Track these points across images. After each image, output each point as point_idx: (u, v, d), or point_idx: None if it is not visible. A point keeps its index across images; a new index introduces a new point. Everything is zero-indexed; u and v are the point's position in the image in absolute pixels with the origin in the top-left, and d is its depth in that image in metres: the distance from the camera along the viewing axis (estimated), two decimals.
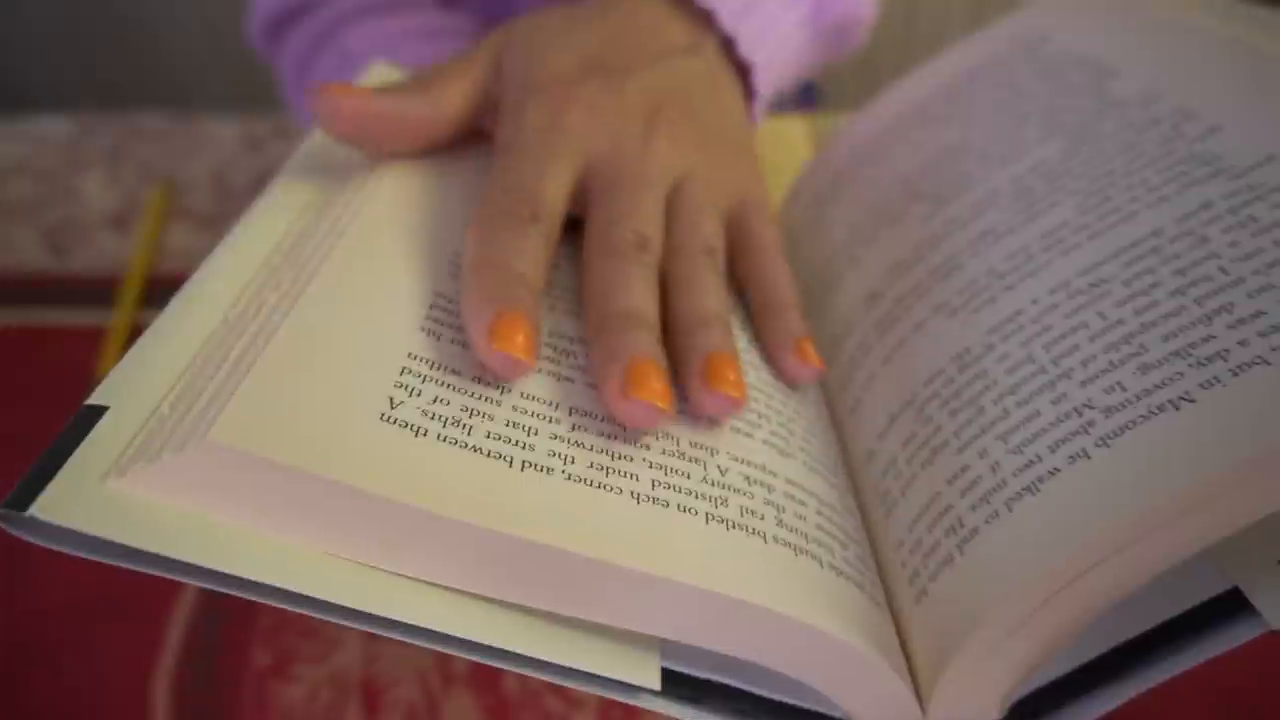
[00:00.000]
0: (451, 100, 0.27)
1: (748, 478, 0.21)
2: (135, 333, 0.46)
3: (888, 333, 0.26)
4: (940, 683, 0.19)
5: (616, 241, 0.25)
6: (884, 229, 0.29)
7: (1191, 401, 0.18)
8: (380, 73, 0.33)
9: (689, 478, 0.20)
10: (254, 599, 0.17)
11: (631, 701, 0.18)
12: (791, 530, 0.20)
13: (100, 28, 1.32)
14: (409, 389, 0.19)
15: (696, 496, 0.20)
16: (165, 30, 1.33)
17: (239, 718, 0.32)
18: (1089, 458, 0.19)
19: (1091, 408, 0.19)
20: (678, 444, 0.21)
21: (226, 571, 0.16)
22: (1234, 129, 0.23)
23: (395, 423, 0.18)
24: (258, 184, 0.54)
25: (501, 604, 0.18)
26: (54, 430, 0.19)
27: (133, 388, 0.19)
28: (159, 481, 0.17)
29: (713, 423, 0.22)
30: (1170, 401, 0.18)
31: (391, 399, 0.19)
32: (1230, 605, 0.18)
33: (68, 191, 0.55)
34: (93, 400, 0.18)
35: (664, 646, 0.19)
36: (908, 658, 0.20)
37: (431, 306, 0.22)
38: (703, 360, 0.22)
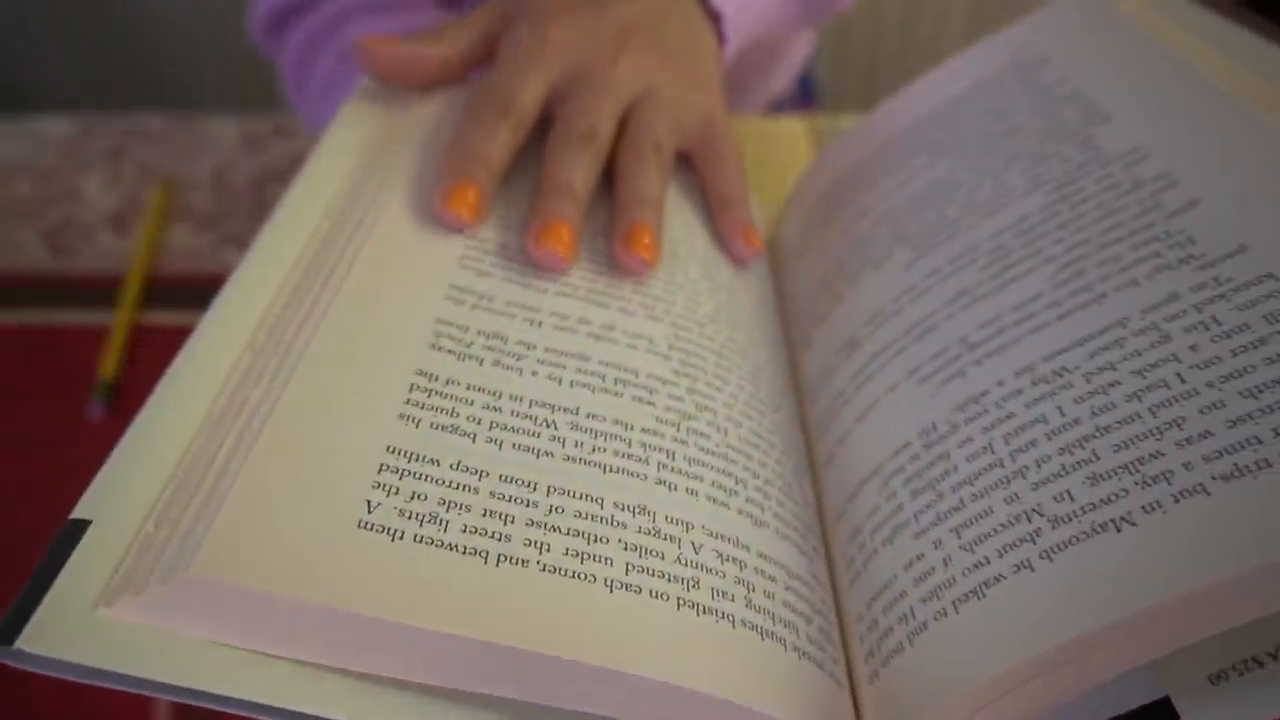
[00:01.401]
0: (459, 42, 0.33)
1: (720, 554, 0.22)
2: (136, 333, 0.46)
3: (863, 388, 0.27)
4: None
5: (569, 133, 0.30)
6: (868, 270, 0.30)
7: (1133, 524, 0.18)
8: (369, 88, 0.34)
9: (663, 558, 0.21)
10: (249, 715, 0.18)
11: None
12: (759, 611, 0.21)
13: (101, 28, 1.32)
14: (387, 488, 0.20)
15: (669, 580, 0.20)
16: (166, 30, 1.33)
17: (240, 718, 0.32)
18: (1033, 569, 0.19)
19: (1040, 514, 0.20)
20: (653, 520, 0.22)
21: (217, 693, 0.17)
22: (1212, 205, 0.23)
23: (372, 528, 0.19)
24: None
25: (461, 703, 0.19)
26: (54, 431, 0.18)
27: (116, 500, 0.19)
28: (146, 611, 0.17)
29: (690, 490, 0.23)
30: (1113, 521, 0.19)
31: (369, 502, 0.20)
32: (1161, 713, 0.18)
33: (68, 192, 0.55)
34: (77, 514, 0.19)
35: None
36: None
37: (412, 389, 0.22)
38: (627, 227, 0.29)
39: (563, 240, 0.27)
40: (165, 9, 1.30)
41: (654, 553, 0.21)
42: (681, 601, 0.20)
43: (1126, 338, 0.21)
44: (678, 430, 0.24)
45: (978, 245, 0.27)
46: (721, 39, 0.37)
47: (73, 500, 0.39)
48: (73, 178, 0.56)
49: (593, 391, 0.24)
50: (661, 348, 0.27)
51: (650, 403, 0.25)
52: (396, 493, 0.20)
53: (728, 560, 0.22)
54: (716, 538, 0.22)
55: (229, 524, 0.18)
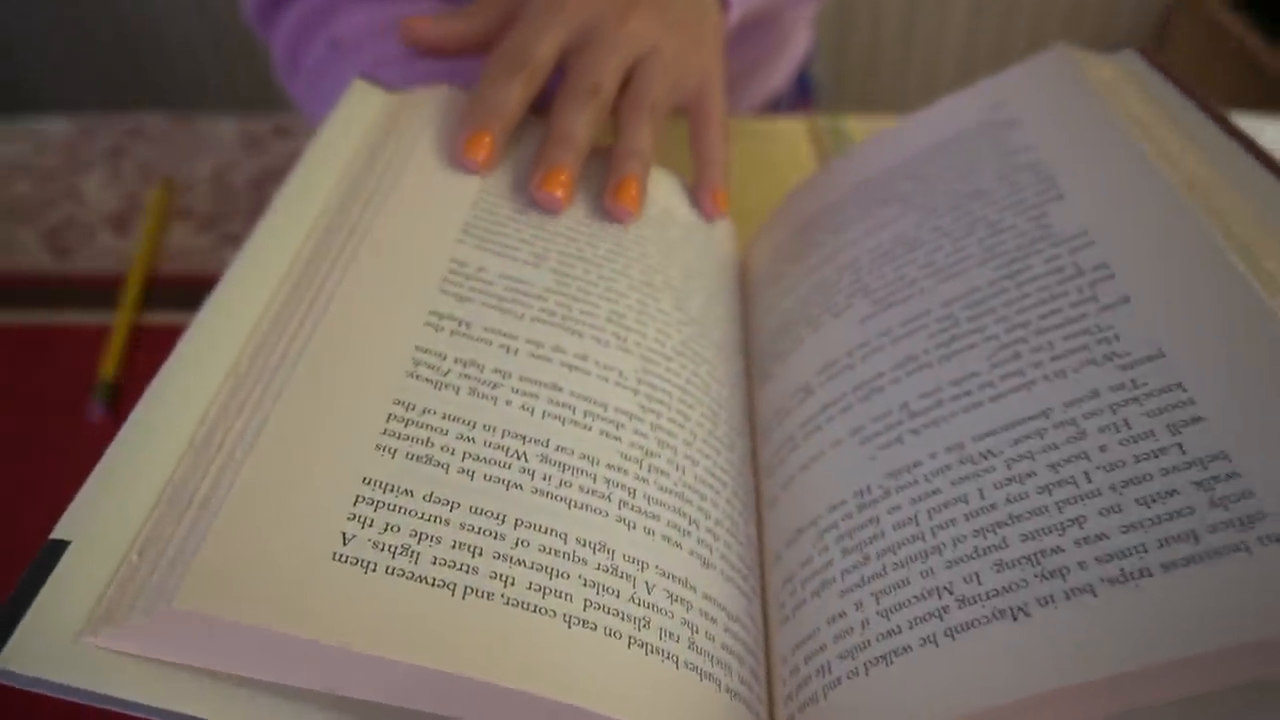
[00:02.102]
0: (478, 19, 0.37)
1: (670, 594, 0.23)
2: (136, 333, 0.46)
3: (810, 438, 0.28)
4: None
5: (577, 87, 0.34)
6: (827, 317, 0.31)
7: (1028, 615, 0.20)
8: (361, 89, 0.34)
9: (618, 596, 0.22)
10: None
11: None
12: (700, 652, 0.22)
13: (101, 29, 1.32)
14: (362, 519, 0.21)
15: (623, 618, 0.22)
16: (166, 31, 1.33)
17: None
18: (937, 645, 0.20)
19: (950, 592, 0.21)
20: (612, 557, 0.23)
21: (194, 716, 0.19)
22: (1141, 304, 0.24)
23: (346, 561, 0.20)
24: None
25: None
26: (54, 431, 0.18)
27: (97, 523, 0.20)
28: (129, 640, 0.19)
29: (648, 530, 0.24)
30: (1011, 609, 0.20)
31: (344, 534, 0.21)
32: None
33: (68, 192, 0.55)
34: (56, 534, 0.20)
35: None
36: None
37: (389, 419, 0.23)
38: (617, 179, 0.33)
39: (562, 184, 0.32)
40: (166, 10, 1.30)
41: (610, 590, 0.22)
42: (633, 640, 0.21)
43: (1047, 429, 0.23)
44: (640, 467, 0.25)
45: (929, 311, 0.28)
46: (725, 6, 0.40)
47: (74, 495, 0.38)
48: (73, 178, 0.56)
49: (563, 423, 0.25)
50: (630, 381, 0.28)
51: (617, 437, 0.26)
52: (371, 524, 0.21)
53: (676, 601, 0.23)
54: (668, 578, 0.23)
55: (211, 557, 0.19)
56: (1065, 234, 0.27)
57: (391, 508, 0.21)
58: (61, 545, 0.20)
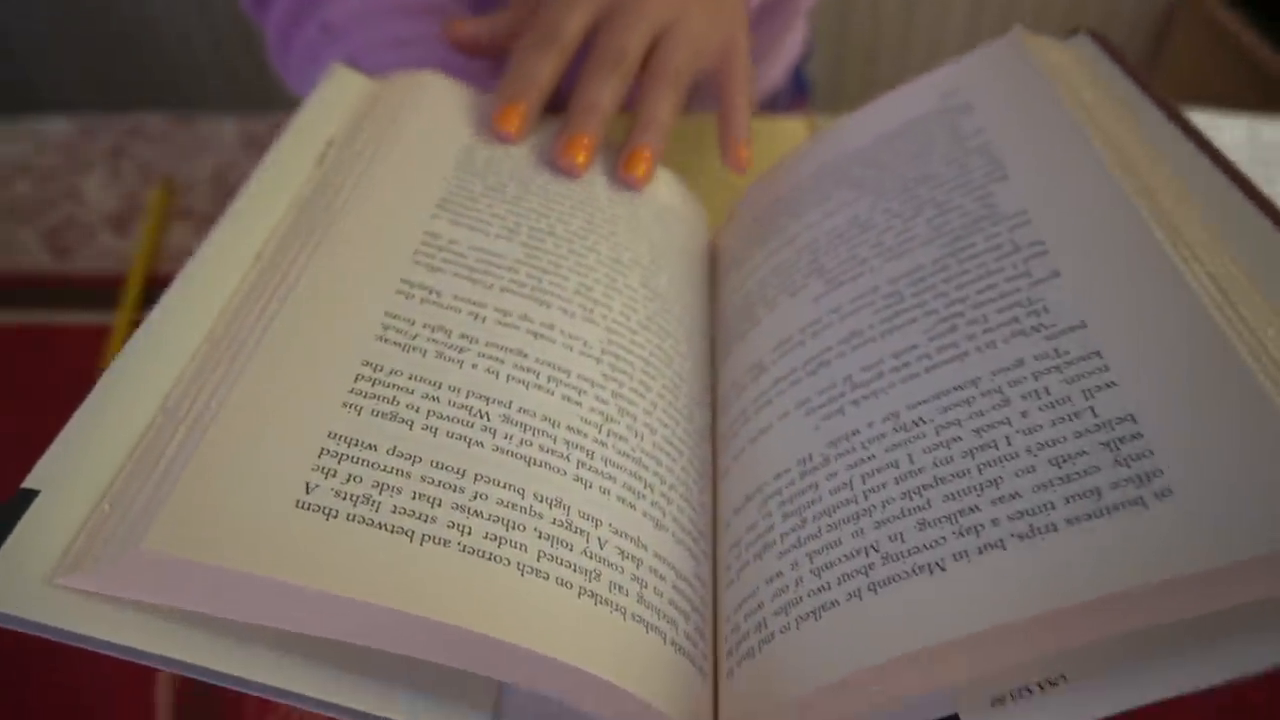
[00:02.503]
0: (518, 13, 0.39)
1: (622, 551, 0.24)
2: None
3: (761, 411, 0.29)
4: None
5: (600, 58, 0.36)
6: (784, 296, 0.32)
7: (944, 569, 0.21)
8: (341, 75, 0.35)
9: (571, 549, 0.23)
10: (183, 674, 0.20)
11: None
12: (648, 606, 0.24)
13: (101, 29, 1.32)
14: (326, 470, 0.22)
15: (574, 570, 0.23)
16: (166, 31, 1.33)
17: (240, 717, 0.32)
18: (861, 599, 0.22)
19: (876, 551, 0.22)
20: (567, 513, 0.24)
21: (149, 651, 0.20)
22: (1069, 279, 0.25)
23: (309, 508, 0.21)
24: None
25: (358, 671, 0.21)
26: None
27: (67, 475, 0.21)
28: (98, 581, 0.20)
29: (604, 490, 0.25)
30: (929, 564, 0.21)
31: (308, 484, 0.22)
32: None
33: (68, 191, 0.55)
34: (27, 484, 0.21)
35: (497, 708, 0.23)
36: (717, 715, 0.24)
37: (357, 378, 0.24)
38: (631, 150, 0.36)
39: (584, 149, 0.35)
40: (166, 10, 1.30)
41: (564, 544, 0.23)
42: (583, 590, 0.23)
43: (975, 397, 0.24)
44: (599, 431, 0.26)
45: (877, 289, 0.29)
46: None
47: None
48: (73, 178, 0.56)
49: (526, 387, 0.26)
50: (595, 351, 0.29)
51: (578, 402, 0.27)
52: (334, 475, 0.22)
53: (627, 558, 0.24)
54: (620, 535, 0.24)
55: (179, 503, 0.20)
56: (1006, 213, 0.28)
57: (355, 460, 0.22)
58: (31, 494, 0.21)
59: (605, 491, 0.25)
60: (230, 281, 0.27)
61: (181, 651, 0.20)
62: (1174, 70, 1.38)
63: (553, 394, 0.26)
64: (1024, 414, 0.23)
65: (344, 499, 0.22)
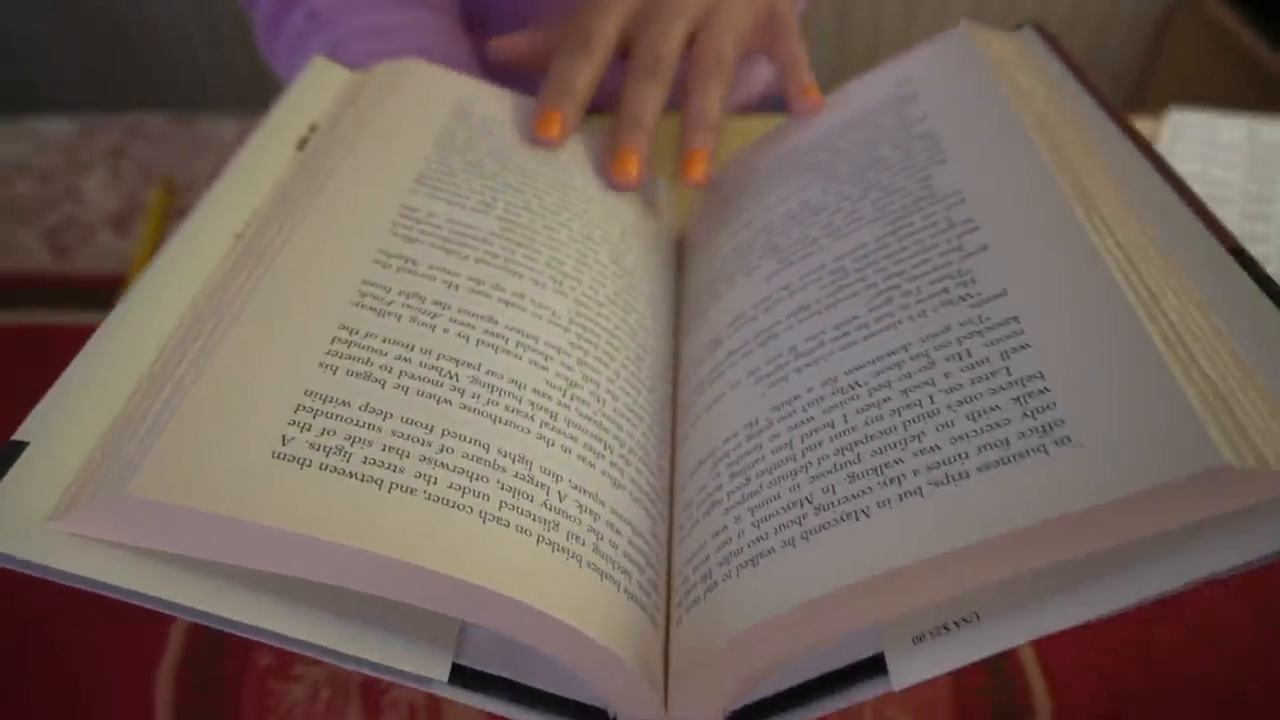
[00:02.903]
0: (538, 36, 0.41)
1: (580, 505, 0.26)
2: None
3: (716, 382, 0.31)
4: (675, 692, 0.24)
5: (638, 66, 0.38)
6: (740, 275, 0.34)
7: (868, 516, 0.23)
8: (322, 65, 0.37)
9: (532, 501, 0.25)
10: (163, 611, 0.22)
11: (424, 688, 0.24)
12: (603, 557, 0.25)
13: (101, 29, 1.32)
14: (301, 425, 0.24)
15: (534, 519, 0.24)
16: (166, 31, 1.33)
17: (240, 717, 0.32)
18: (794, 546, 0.24)
19: (810, 502, 0.24)
20: (529, 468, 0.25)
21: (135, 590, 0.21)
22: (996, 251, 0.27)
23: (284, 458, 0.23)
24: None
25: (325, 610, 0.23)
26: None
27: (60, 429, 0.23)
28: (87, 524, 0.21)
29: (565, 448, 0.27)
30: (855, 512, 0.23)
31: (284, 436, 0.23)
32: (876, 665, 0.23)
33: (68, 192, 0.55)
34: (17, 436, 0.23)
35: (458, 647, 0.24)
36: (669, 665, 0.25)
37: (333, 341, 0.26)
38: (687, 152, 0.37)
39: (634, 163, 0.37)
40: (166, 10, 1.31)
41: (525, 495, 0.25)
42: (541, 538, 0.24)
43: (905, 361, 0.26)
44: (563, 395, 0.28)
45: (824, 266, 0.31)
46: None
47: None
48: (73, 178, 0.56)
49: (495, 351, 0.28)
50: (563, 320, 0.30)
51: (544, 367, 0.28)
52: (309, 429, 0.24)
53: (585, 511, 0.26)
54: (580, 491, 0.26)
55: (164, 452, 0.22)
56: (943, 193, 0.30)
57: (329, 415, 0.24)
58: (20, 445, 0.23)
59: (566, 450, 0.27)
60: (214, 255, 0.29)
61: (165, 591, 0.22)
62: (1174, 70, 1.38)
63: (520, 358, 0.28)
64: (947, 375, 0.25)
65: (317, 450, 0.23)
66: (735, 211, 0.38)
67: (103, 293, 0.47)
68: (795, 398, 0.27)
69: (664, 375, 0.33)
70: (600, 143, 0.40)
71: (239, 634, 0.23)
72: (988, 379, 0.24)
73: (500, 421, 0.26)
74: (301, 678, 0.33)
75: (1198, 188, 0.54)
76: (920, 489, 0.23)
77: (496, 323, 0.29)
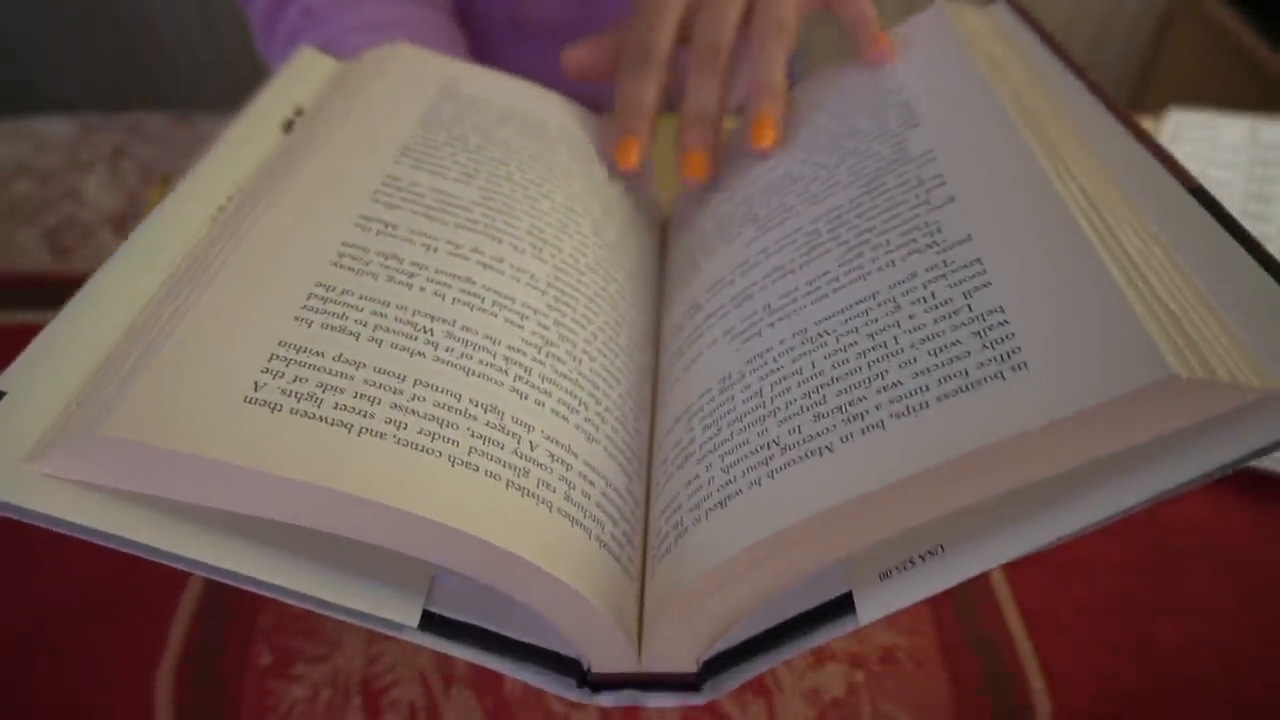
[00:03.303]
0: (604, 43, 0.41)
1: (552, 455, 0.26)
2: None
3: (694, 343, 0.32)
4: (648, 639, 0.25)
5: (698, 57, 0.37)
6: (720, 244, 0.35)
7: (831, 451, 0.24)
8: (309, 54, 0.38)
9: (502, 449, 0.25)
10: (128, 551, 0.23)
11: (395, 634, 0.25)
12: (574, 505, 0.26)
13: (102, 29, 1.32)
14: (274, 373, 0.24)
15: (504, 465, 0.25)
16: (166, 32, 1.33)
17: (240, 717, 0.32)
18: (760, 485, 0.24)
19: (777, 444, 0.25)
20: (501, 418, 0.26)
21: (109, 532, 0.22)
22: (962, 203, 0.28)
23: (256, 403, 0.23)
24: None
25: (298, 555, 0.24)
26: None
27: (40, 379, 0.24)
28: (63, 465, 0.22)
29: (538, 402, 0.27)
30: (819, 448, 0.24)
31: (256, 383, 0.24)
32: (845, 604, 0.24)
33: (69, 192, 0.55)
34: None
35: (430, 594, 0.25)
36: (644, 615, 0.26)
37: (309, 297, 0.27)
38: (754, 119, 0.36)
39: (700, 166, 0.37)
40: (166, 10, 1.31)
41: (495, 443, 0.25)
42: (510, 483, 0.24)
43: (872, 308, 0.26)
44: (538, 353, 0.28)
45: (799, 229, 0.32)
46: None
47: None
48: (73, 178, 0.56)
49: (471, 309, 0.28)
50: (540, 284, 0.31)
51: (520, 326, 0.29)
52: (282, 376, 0.24)
53: (557, 461, 0.26)
54: (552, 442, 0.26)
55: (139, 397, 0.23)
56: (915, 154, 0.31)
57: (301, 364, 0.25)
58: None
59: (540, 404, 0.27)
60: (196, 225, 0.29)
61: (138, 534, 0.22)
62: (1174, 70, 1.38)
63: (495, 316, 0.28)
64: (912, 316, 0.25)
65: (288, 395, 0.24)
66: (716, 189, 0.38)
67: None
68: (767, 350, 0.28)
69: (643, 345, 0.33)
70: (591, 125, 0.41)
71: (213, 578, 0.23)
72: (950, 317, 0.24)
73: (473, 374, 0.26)
74: (301, 678, 0.33)
75: None
76: (882, 422, 0.23)
77: (474, 283, 0.29)
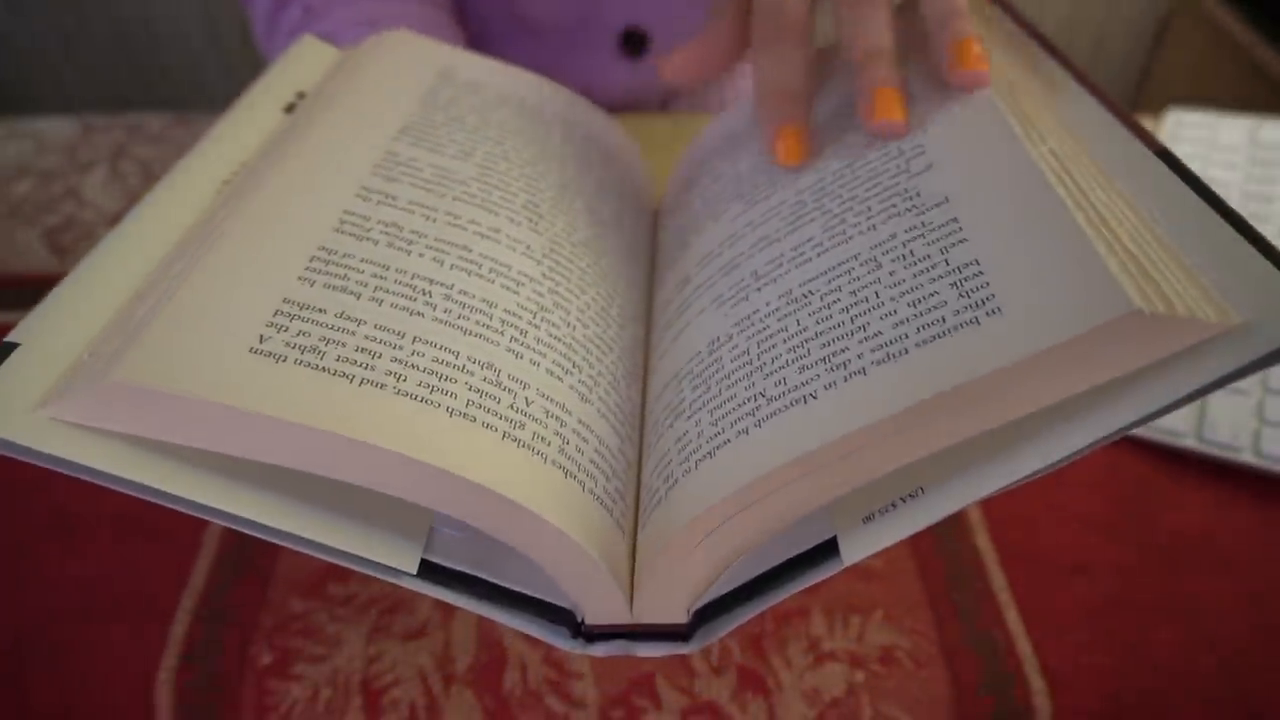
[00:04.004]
0: (707, 41, 0.37)
1: (547, 411, 0.27)
2: None
3: (684, 313, 0.33)
4: (639, 590, 0.26)
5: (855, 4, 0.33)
6: (709, 222, 0.36)
7: (815, 398, 0.25)
8: (311, 42, 0.39)
9: (499, 402, 0.26)
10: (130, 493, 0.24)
11: (394, 581, 0.26)
12: (568, 458, 0.27)
13: (102, 29, 1.33)
14: (278, 327, 0.25)
15: (500, 418, 0.26)
16: (167, 32, 1.33)
17: (240, 717, 0.32)
18: (748, 434, 0.26)
19: (763, 396, 0.26)
20: (498, 375, 0.27)
21: (119, 475, 0.23)
22: (941, 169, 0.29)
23: (261, 354, 0.25)
24: None
25: (303, 501, 0.25)
26: None
27: (50, 333, 0.25)
28: (74, 410, 0.23)
29: (533, 362, 0.28)
30: (804, 396, 0.25)
31: (261, 335, 0.25)
32: (830, 548, 0.25)
33: (69, 192, 0.55)
34: (9, 339, 0.25)
35: (429, 544, 0.26)
36: (635, 569, 0.27)
37: (311, 259, 0.28)
38: (869, 95, 0.31)
39: (895, 101, 0.31)
40: (166, 10, 1.31)
41: (492, 397, 0.26)
42: (506, 435, 0.26)
43: (855, 268, 0.28)
44: (534, 317, 0.30)
45: (785, 201, 0.33)
46: None
47: (73, 498, 0.39)
48: (74, 178, 0.56)
49: (469, 275, 0.30)
50: (536, 254, 0.32)
51: (515, 292, 0.30)
52: (286, 330, 0.25)
53: (552, 417, 0.27)
54: (546, 399, 0.27)
55: (147, 345, 0.24)
56: None
57: (305, 320, 0.26)
58: (11, 346, 0.25)
59: (535, 364, 0.28)
60: (202, 196, 0.31)
61: (144, 476, 0.23)
62: (1174, 70, 1.38)
63: (493, 283, 0.30)
64: (892, 273, 0.27)
65: (292, 348, 0.25)
66: (705, 171, 0.39)
67: None
68: (754, 312, 0.29)
69: (635, 319, 0.34)
70: (584, 109, 0.42)
71: (216, 521, 0.24)
72: (928, 271, 0.26)
73: (470, 334, 0.28)
74: (301, 677, 0.33)
75: None
76: (864, 369, 0.25)
77: (471, 251, 0.30)
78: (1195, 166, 0.55)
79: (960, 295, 0.24)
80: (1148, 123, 0.59)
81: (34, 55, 1.37)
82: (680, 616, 0.27)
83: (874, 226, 0.29)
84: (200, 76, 1.38)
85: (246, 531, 0.24)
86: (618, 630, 0.27)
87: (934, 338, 0.24)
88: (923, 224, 0.27)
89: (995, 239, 0.25)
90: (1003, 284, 0.24)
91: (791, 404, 0.25)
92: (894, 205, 0.29)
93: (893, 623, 0.35)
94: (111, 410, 0.23)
